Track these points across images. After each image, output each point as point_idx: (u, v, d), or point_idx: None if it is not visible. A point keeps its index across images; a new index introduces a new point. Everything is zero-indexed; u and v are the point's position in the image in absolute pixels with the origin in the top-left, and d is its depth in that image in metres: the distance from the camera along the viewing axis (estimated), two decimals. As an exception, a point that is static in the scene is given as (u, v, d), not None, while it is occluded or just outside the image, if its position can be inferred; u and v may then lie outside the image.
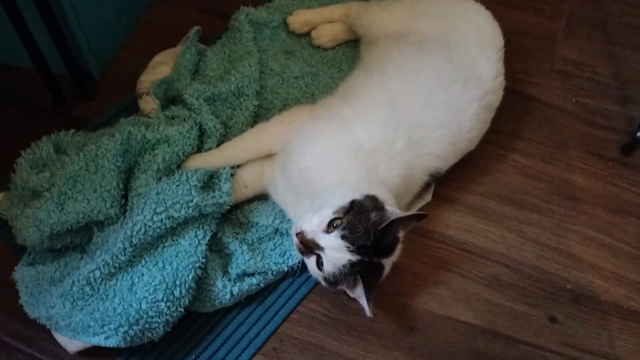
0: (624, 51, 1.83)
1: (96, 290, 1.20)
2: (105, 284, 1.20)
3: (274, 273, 1.34)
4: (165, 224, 1.23)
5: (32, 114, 1.62)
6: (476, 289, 1.40)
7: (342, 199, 1.18)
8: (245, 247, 1.34)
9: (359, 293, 1.19)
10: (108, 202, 1.29)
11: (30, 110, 1.63)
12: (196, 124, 1.44)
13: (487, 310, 1.37)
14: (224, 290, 1.28)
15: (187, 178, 1.30)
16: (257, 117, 1.56)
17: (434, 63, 1.43)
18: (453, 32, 1.51)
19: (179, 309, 1.22)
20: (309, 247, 1.18)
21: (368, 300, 1.17)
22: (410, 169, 1.34)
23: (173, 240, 1.26)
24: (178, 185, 1.28)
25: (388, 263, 1.24)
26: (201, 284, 1.27)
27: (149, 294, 1.19)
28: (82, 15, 1.58)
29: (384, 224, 1.16)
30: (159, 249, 1.25)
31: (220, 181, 1.36)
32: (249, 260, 1.31)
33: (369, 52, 1.58)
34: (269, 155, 1.42)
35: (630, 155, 1.61)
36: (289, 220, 1.37)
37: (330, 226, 1.16)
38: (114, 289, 1.20)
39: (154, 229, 1.23)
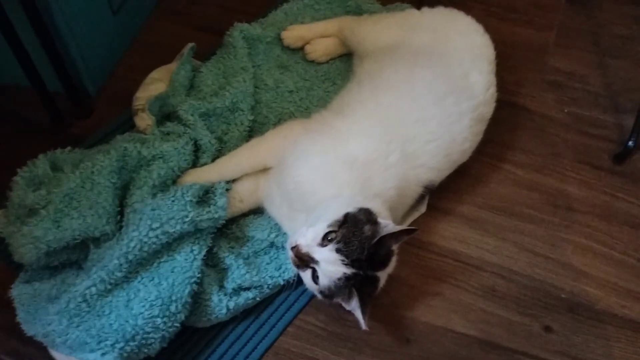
0: (614, 61, 1.85)
1: (92, 306, 1.20)
2: (101, 301, 1.21)
3: (270, 287, 1.34)
4: (160, 239, 1.24)
5: (29, 132, 1.64)
6: (472, 299, 1.40)
7: (337, 212, 1.19)
8: (241, 261, 1.34)
9: (354, 306, 1.20)
10: (104, 219, 1.30)
11: (27, 128, 1.64)
12: (191, 140, 1.45)
13: (483, 321, 1.37)
14: (220, 305, 1.29)
15: (183, 193, 1.31)
16: (252, 132, 1.58)
17: (426, 76, 1.45)
18: (444, 45, 1.53)
19: (175, 324, 1.23)
20: (304, 260, 1.18)
21: (363, 313, 1.18)
22: (404, 181, 1.36)
23: (169, 256, 1.27)
24: (173, 201, 1.29)
25: (383, 275, 1.25)
26: (197, 298, 1.28)
27: (145, 309, 1.20)
28: (78, 33, 1.59)
29: (375, 240, 1.17)
30: (155, 265, 1.26)
31: (215, 196, 1.37)
32: (244, 274, 1.32)
33: (362, 66, 1.60)
34: (264, 170, 1.43)
35: (622, 164, 1.62)
36: (285, 233, 1.38)
37: (325, 239, 1.17)
38: (110, 305, 1.21)
39: (149, 244, 1.23)
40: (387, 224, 1.18)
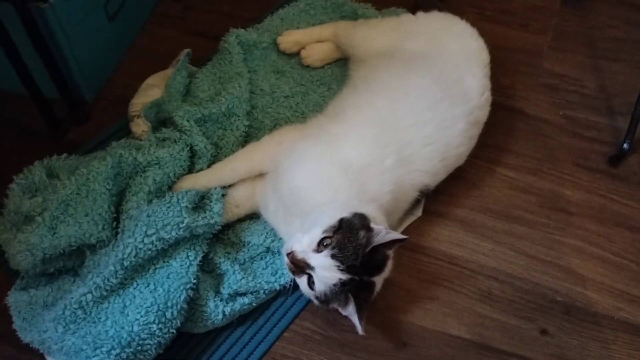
0: (609, 64, 1.86)
1: (88, 313, 1.20)
2: (97, 307, 1.21)
3: (266, 292, 1.35)
4: (156, 245, 1.24)
5: (26, 138, 1.64)
6: (468, 303, 1.41)
7: (332, 218, 1.19)
8: (237, 266, 1.35)
9: (350, 311, 1.20)
10: (100, 225, 1.30)
11: (24, 135, 1.65)
12: (187, 146, 1.46)
13: (479, 324, 1.37)
14: (216, 311, 1.29)
15: (178, 199, 1.31)
16: (248, 137, 1.58)
17: (421, 81, 1.45)
18: (439, 50, 1.54)
19: (171, 330, 1.23)
20: (299, 266, 1.19)
21: (360, 318, 1.18)
22: (400, 186, 1.36)
23: (164, 262, 1.27)
24: (169, 207, 1.29)
25: (379, 280, 1.25)
26: (193, 304, 1.28)
27: (141, 316, 1.20)
28: (74, 40, 1.60)
29: (368, 248, 1.17)
30: (151, 271, 1.26)
31: (211, 202, 1.37)
32: (240, 279, 1.32)
33: (357, 71, 1.61)
34: (260, 175, 1.43)
35: (617, 166, 1.63)
36: (281, 239, 1.39)
37: (321, 245, 1.17)
38: (106, 312, 1.21)
39: (145, 251, 1.24)
40: (380, 231, 1.18)
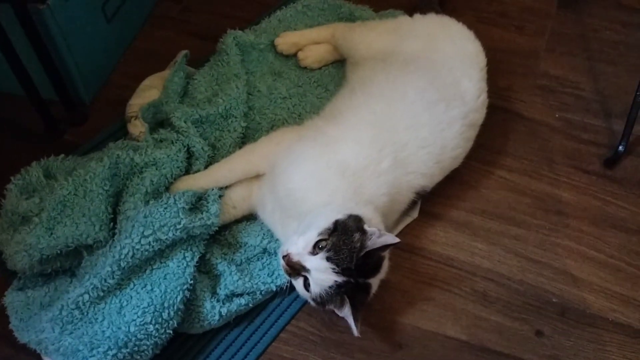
0: (605, 66, 1.86)
1: (85, 314, 1.21)
2: (94, 308, 1.21)
3: (263, 293, 1.35)
4: (153, 246, 1.25)
5: (23, 139, 1.65)
6: (464, 304, 1.41)
7: (327, 220, 1.20)
8: (233, 267, 1.35)
9: (346, 313, 1.21)
10: (97, 226, 1.31)
11: (22, 136, 1.66)
12: (184, 147, 1.47)
13: (475, 326, 1.38)
14: (213, 311, 1.29)
15: (175, 201, 1.32)
16: (245, 138, 1.59)
17: (417, 83, 1.46)
18: (436, 52, 1.55)
19: (168, 331, 1.23)
20: (295, 269, 1.19)
21: (355, 320, 1.19)
22: (396, 188, 1.37)
23: (161, 263, 1.28)
24: (166, 208, 1.30)
25: (375, 282, 1.26)
26: (190, 305, 1.29)
27: (138, 316, 1.20)
28: (72, 41, 1.61)
29: (363, 252, 1.17)
30: (147, 272, 1.26)
31: (208, 203, 1.38)
32: (237, 280, 1.33)
33: (354, 73, 1.61)
34: (257, 176, 1.44)
35: (613, 168, 1.64)
36: (277, 240, 1.39)
37: (316, 248, 1.18)
38: (103, 313, 1.21)
39: (142, 252, 1.24)
40: (373, 233, 1.19)
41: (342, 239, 1.17)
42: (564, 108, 1.77)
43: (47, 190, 1.34)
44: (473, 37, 1.60)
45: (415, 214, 1.52)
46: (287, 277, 1.28)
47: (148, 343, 1.21)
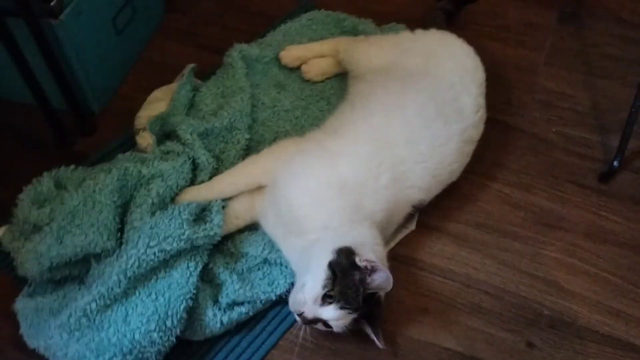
0: (603, 81, 1.90)
1: (92, 321, 1.26)
2: (100, 315, 1.26)
3: (263, 302, 1.40)
4: (158, 257, 1.30)
5: (34, 148, 1.70)
6: (458, 315, 1.45)
7: (321, 267, 1.24)
8: (235, 277, 1.40)
9: (368, 331, 1.30)
10: (105, 236, 1.36)
11: (32, 145, 1.71)
12: (189, 159, 1.51)
13: (469, 337, 1.42)
14: (215, 319, 1.34)
15: (180, 212, 1.36)
16: (249, 150, 1.63)
17: (416, 99, 1.50)
18: (436, 68, 1.58)
19: (171, 338, 1.28)
20: (313, 321, 1.26)
21: (377, 334, 1.28)
22: (394, 202, 1.41)
23: (166, 272, 1.32)
24: (171, 219, 1.35)
25: (382, 294, 1.32)
26: (192, 313, 1.33)
27: (142, 324, 1.25)
28: (83, 53, 1.66)
29: (366, 292, 1.24)
30: (153, 281, 1.31)
31: (211, 213, 1.42)
32: (238, 289, 1.37)
33: (356, 87, 1.65)
34: (260, 187, 1.48)
35: (607, 183, 1.67)
36: (277, 250, 1.44)
37: (325, 298, 1.24)
38: (109, 320, 1.26)
39: (147, 262, 1.29)
40: (365, 268, 1.24)
41: (345, 283, 1.23)
42: (562, 122, 1.80)
43: (58, 201, 1.39)
44: (473, 53, 1.64)
45: (412, 225, 1.57)
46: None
47: (152, 350, 1.26)
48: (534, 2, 2.11)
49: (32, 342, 1.30)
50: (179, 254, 1.35)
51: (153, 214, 1.39)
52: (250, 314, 1.39)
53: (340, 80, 1.82)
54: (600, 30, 2.04)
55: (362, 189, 1.36)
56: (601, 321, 1.44)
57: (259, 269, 1.44)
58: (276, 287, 1.41)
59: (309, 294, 1.24)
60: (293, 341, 1.39)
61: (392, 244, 1.53)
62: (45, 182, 1.44)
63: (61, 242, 1.33)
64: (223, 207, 1.45)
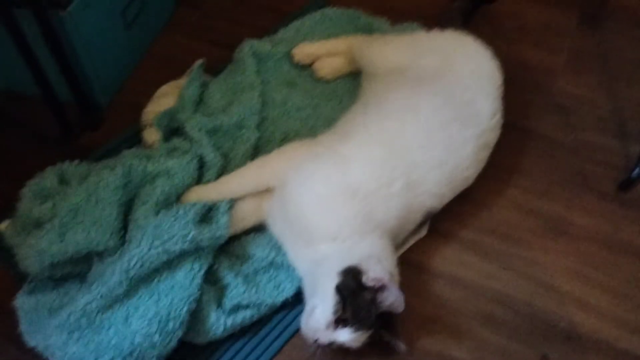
0: (624, 86, 1.84)
1: (92, 321, 1.22)
2: (101, 316, 1.23)
3: (268, 306, 1.36)
4: (161, 257, 1.26)
5: (38, 141, 1.67)
6: (469, 325, 1.40)
7: (328, 291, 1.21)
8: (240, 279, 1.36)
9: (387, 339, 1.27)
10: (107, 234, 1.32)
11: (36, 138, 1.68)
12: (196, 156, 1.47)
13: (480, 348, 1.37)
14: (218, 323, 1.30)
15: (185, 212, 1.33)
16: (258, 149, 1.59)
17: (432, 101, 1.45)
18: (452, 70, 1.53)
19: (173, 341, 1.24)
20: (330, 345, 1.23)
21: (397, 339, 1.27)
22: (407, 210, 1.37)
23: (169, 273, 1.29)
24: (175, 219, 1.31)
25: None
26: (195, 315, 1.29)
27: (143, 326, 1.21)
28: (91, 46, 1.63)
29: (379, 310, 1.22)
30: (155, 282, 1.27)
31: (218, 214, 1.38)
32: (243, 292, 1.33)
33: (369, 87, 1.61)
34: (268, 189, 1.44)
35: (627, 192, 1.62)
36: (285, 253, 1.39)
37: (339, 322, 1.21)
38: (110, 321, 1.23)
39: (150, 262, 1.25)
40: (375, 288, 1.21)
41: (357, 305, 1.20)
42: (580, 127, 1.75)
43: (61, 196, 1.36)
44: (490, 55, 1.59)
45: (424, 231, 1.52)
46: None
47: (152, 353, 1.22)
48: (554, 4, 2.05)
49: (30, 341, 1.27)
50: (183, 255, 1.31)
51: (157, 212, 1.35)
52: (255, 317, 1.35)
53: (353, 80, 1.77)
54: (623, 33, 1.98)
55: (374, 195, 1.32)
56: (618, 335, 1.39)
57: (265, 271, 1.40)
58: (282, 291, 1.37)
59: (320, 322, 1.21)
60: (299, 346, 1.35)
61: (403, 250, 1.48)
62: (49, 177, 1.41)
63: (63, 239, 1.30)
64: (230, 208, 1.41)
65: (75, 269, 1.34)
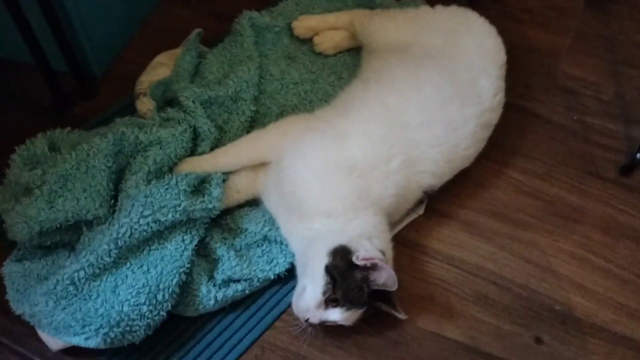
0: (630, 70, 1.80)
1: (80, 290, 1.20)
2: (89, 285, 1.21)
3: (260, 280, 1.34)
4: (151, 227, 1.24)
5: (31, 110, 1.64)
6: (463, 305, 1.39)
7: (318, 271, 1.20)
8: (232, 252, 1.34)
9: (385, 309, 1.26)
10: (97, 202, 1.30)
11: (29, 106, 1.65)
12: (190, 127, 1.44)
13: (473, 328, 1.36)
14: (209, 296, 1.28)
15: (177, 182, 1.30)
16: (253, 122, 1.56)
17: (434, 79, 1.42)
18: (455, 47, 1.50)
19: (161, 313, 1.22)
20: (320, 323, 1.22)
21: (394, 308, 1.26)
22: (404, 188, 1.35)
23: (159, 244, 1.26)
24: (167, 189, 1.28)
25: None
26: (186, 288, 1.27)
27: (132, 296, 1.19)
28: (86, 14, 1.59)
29: (371, 288, 1.20)
30: (145, 252, 1.25)
31: (211, 186, 1.36)
32: (235, 266, 1.31)
33: (370, 63, 1.57)
34: (263, 162, 1.41)
35: (628, 176, 1.59)
36: (278, 228, 1.37)
37: (329, 302, 1.19)
38: (97, 290, 1.21)
39: (140, 231, 1.23)
40: (366, 266, 1.20)
41: (347, 285, 1.18)
42: (583, 111, 1.72)
43: (51, 163, 1.33)
44: (495, 32, 1.55)
45: (421, 210, 1.49)
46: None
47: (140, 324, 1.20)
48: (561, -15, 2.01)
49: (17, 308, 1.25)
50: (174, 226, 1.29)
51: (149, 182, 1.32)
52: (247, 292, 1.33)
53: (353, 55, 1.74)
54: (629, 16, 1.94)
55: (371, 172, 1.29)
56: (614, 319, 1.37)
57: (258, 246, 1.38)
58: (275, 266, 1.35)
59: (310, 302, 1.19)
60: (290, 322, 1.33)
61: (398, 228, 1.46)
62: (39, 144, 1.38)
63: (52, 207, 1.28)
64: (224, 181, 1.39)
65: (65, 238, 1.32)
